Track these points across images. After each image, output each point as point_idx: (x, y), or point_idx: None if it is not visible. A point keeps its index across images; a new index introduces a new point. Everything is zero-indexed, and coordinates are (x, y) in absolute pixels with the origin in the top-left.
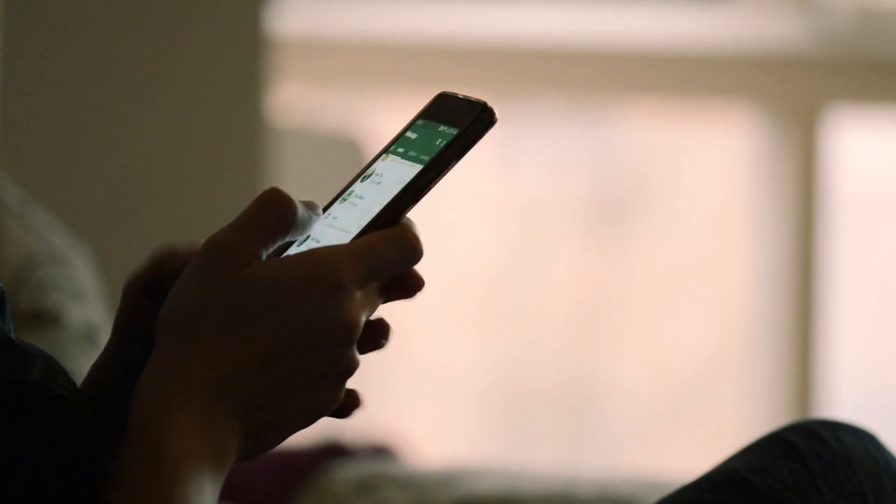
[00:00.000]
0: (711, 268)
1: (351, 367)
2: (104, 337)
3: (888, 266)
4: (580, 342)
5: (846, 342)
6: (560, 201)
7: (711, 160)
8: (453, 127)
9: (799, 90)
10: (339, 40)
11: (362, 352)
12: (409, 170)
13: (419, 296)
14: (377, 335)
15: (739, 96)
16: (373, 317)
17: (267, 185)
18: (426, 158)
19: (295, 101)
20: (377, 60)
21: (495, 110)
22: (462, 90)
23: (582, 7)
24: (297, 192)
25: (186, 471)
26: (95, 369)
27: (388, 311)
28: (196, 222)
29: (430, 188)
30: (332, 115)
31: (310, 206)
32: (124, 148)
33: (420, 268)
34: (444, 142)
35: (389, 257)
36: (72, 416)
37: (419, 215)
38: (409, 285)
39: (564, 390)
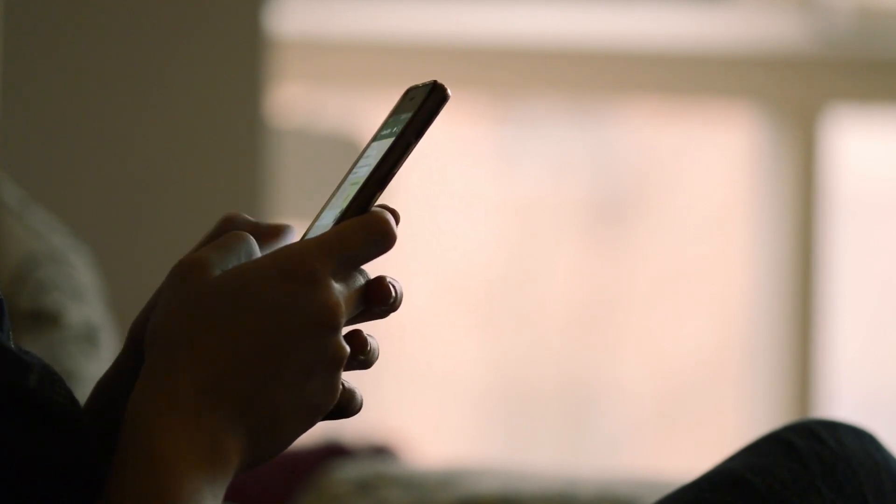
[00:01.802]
0: (711, 268)
1: (339, 356)
2: (104, 337)
3: (888, 266)
4: (580, 342)
5: (846, 342)
6: (560, 201)
7: (711, 160)
8: (410, 112)
9: (799, 90)
10: (339, 40)
11: (347, 368)
12: (376, 160)
13: (397, 308)
14: (355, 349)
15: (739, 96)
16: (351, 328)
17: (267, 185)
18: (388, 145)
19: (295, 101)
20: (377, 60)
21: (447, 87)
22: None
23: (582, 7)
24: (298, 192)
25: (181, 473)
26: (103, 383)
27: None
28: (196, 222)
29: (394, 172)
30: (332, 115)
31: (278, 228)
32: (124, 148)
33: (421, 267)
34: (401, 126)
35: (360, 243)
36: (69, 424)
37: (420, 215)
38: (377, 295)
39: (564, 390)
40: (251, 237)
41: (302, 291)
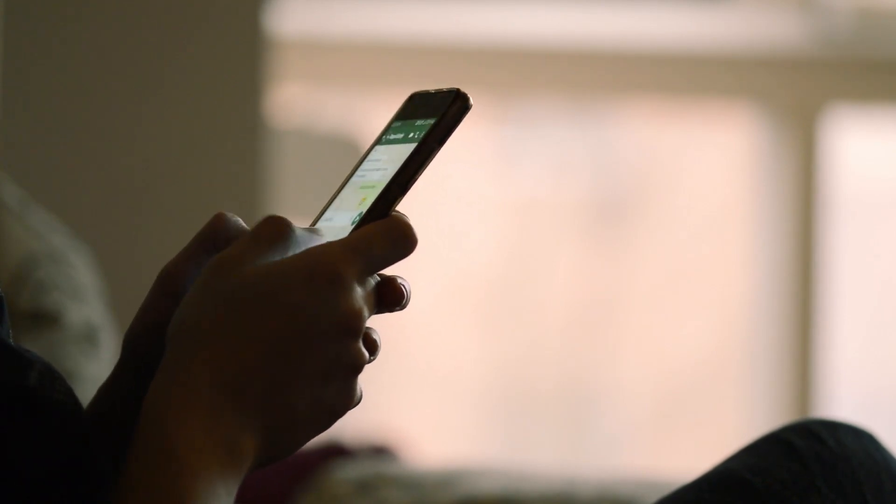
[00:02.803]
0: (711, 268)
1: (358, 362)
2: (104, 337)
3: (888, 266)
4: (580, 342)
5: (846, 342)
6: (560, 201)
7: (711, 160)
8: (430, 118)
9: (799, 90)
10: (339, 40)
11: None
12: (394, 164)
13: (406, 307)
14: (368, 349)
15: (739, 96)
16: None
17: (267, 185)
18: (408, 151)
19: (295, 101)
20: (377, 60)
21: (469, 95)
22: (461, 90)
23: (582, 7)
24: (297, 192)
25: (196, 469)
26: (104, 388)
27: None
28: (196, 222)
29: (416, 178)
30: (332, 115)
31: (311, 230)
32: (124, 148)
33: (420, 267)
34: (423, 132)
35: (383, 247)
36: (69, 421)
37: (420, 215)
38: (389, 296)
39: (564, 390)
40: (294, 232)
41: (328, 295)
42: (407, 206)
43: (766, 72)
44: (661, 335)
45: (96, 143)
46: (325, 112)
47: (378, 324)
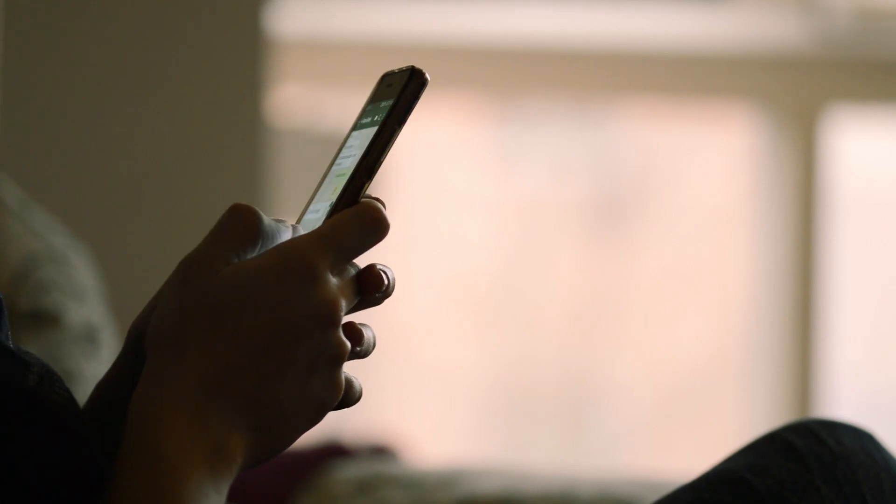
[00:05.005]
0: (711, 268)
1: (340, 351)
2: (104, 337)
3: (889, 267)
4: (580, 342)
5: (846, 343)
6: (560, 201)
7: (711, 160)
8: (391, 99)
9: (799, 90)
10: (339, 40)
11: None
12: (361, 150)
13: (390, 295)
14: (352, 342)
15: (739, 96)
16: (346, 320)
17: (267, 186)
18: (372, 134)
19: (295, 101)
20: (377, 60)
21: (425, 72)
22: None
23: (582, 7)
24: (297, 193)
25: (183, 470)
26: (103, 384)
27: (389, 312)
28: (196, 222)
29: (381, 161)
30: (332, 115)
31: (277, 220)
32: (124, 148)
33: (421, 267)
34: (383, 115)
35: (354, 234)
36: (68, 423)
37: (420, 215)
38: (370, 283)
39: (564, 390)
40: (264, 224)
41: (301, 288)
42: (407, 207)
43: (766, 72)
44: (661, 335)
45: (96, 143)
46: (325, 112)
47: (380, 324)
